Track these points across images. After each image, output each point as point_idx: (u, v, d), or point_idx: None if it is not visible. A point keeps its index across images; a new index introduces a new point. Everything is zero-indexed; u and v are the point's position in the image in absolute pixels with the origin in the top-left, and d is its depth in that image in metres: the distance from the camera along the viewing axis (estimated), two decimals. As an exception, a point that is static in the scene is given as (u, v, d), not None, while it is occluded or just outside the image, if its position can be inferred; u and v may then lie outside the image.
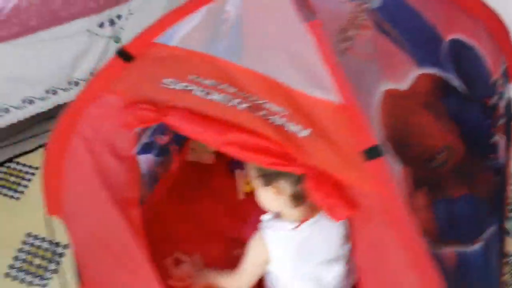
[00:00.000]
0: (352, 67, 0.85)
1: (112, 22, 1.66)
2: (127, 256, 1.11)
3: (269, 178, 0.98)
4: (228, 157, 1.60)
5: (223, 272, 1.20)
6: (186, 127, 0.91)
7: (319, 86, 0.84)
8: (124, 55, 0.94)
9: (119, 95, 0.97)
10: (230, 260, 1.31)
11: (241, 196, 1.51)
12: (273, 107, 0.88)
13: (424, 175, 0.92)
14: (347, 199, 0.82)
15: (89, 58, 1.69)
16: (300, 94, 0.86)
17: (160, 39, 0.96)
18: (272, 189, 0.99)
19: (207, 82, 0.91)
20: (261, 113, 0.88)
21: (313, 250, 1.05)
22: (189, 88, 0.92)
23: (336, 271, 1.11)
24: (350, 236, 1.11)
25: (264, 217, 1.09)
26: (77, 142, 1.03)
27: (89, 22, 1.60)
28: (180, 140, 1.55)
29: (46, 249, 1.50)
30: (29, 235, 1.54)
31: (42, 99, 1.68)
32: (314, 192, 0.84)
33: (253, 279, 1.14)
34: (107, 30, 1.66)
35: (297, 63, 0.86)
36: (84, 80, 1.73)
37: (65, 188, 1.10)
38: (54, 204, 1.12)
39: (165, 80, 0.93)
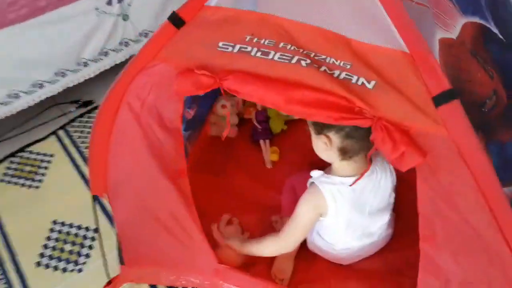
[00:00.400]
0: (412, 15, 0.85)
1: (119, -1, 1.61)
2: (179, 227, 1.10)
3: (320, 127, 0.99)
4: (250, 129, 1.61)
5: (262, 238, 1.17)
6: (247, 90, 0.89)
7: (383, 35, 0.84)
8: (175, 20, 0.91)
9: (170, 63, 0.95)
10: (268, 228, 1.32)
11: (269, 165, 1.52)
12: (334, 61, 0.88)
13: (477, 121, 0.94)
14: (417, 147, 0.84)
15: (97, 38, 1.64)
16: (362, 45, 0.86)
17: (209, 2, 0.93)
18: (322, 139, 1.01)
19: (265, 41, 0.90)
20: (322, 69, 0.87)
21: (367, 201, 1.08)
22: (246, 50, 0.90)
23: (383, 219, 1.14)
24: (396, 187, 1.14)
25: (314, 173, 1.10)
26: (125, 114, 1.00)
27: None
28: (202, 116, 1.55)
29: (76, 235, 1.47)
30: (55, 222, 1.50)
31: (51, 82, 1.62)
32: (382, 142, 0.84)
33: (303, 236, 1.15)
34: (115, 7, 1.61)
35: (357, 14, 0.86)
36: (93, 60, 1.68)
37: (112, 164, 1.07)
38: (100, 183, 1.09)
39: (221, 44, 0.91)
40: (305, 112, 0.88)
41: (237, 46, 0.90)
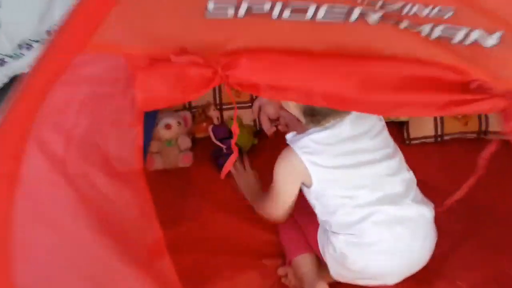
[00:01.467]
0: None
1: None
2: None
3: None
4: (209, 151, 1.19)
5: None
6: (278, 79, 0.49)
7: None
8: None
9: (115, 52, 0.50)
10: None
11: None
12: (420, 9, 0.51)
13: None
14: None
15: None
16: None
17: None
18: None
19: (294, -10, 0.50)
20: (403, 25, 0.51)
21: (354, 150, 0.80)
22: (262, 9, 0.49)
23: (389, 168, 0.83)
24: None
25: (288, 136, 0.86)
26: (37, 163, 0.53)
27: None
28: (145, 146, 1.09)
29: None
30: None
31: None
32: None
33: (285, 202, 0.88)
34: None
35: None
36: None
37: (20, 261, 0.59)
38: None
39: (212, 5, 0.49)
40: (390, 103, 0.51)
41: (244, 5, 0.49)
